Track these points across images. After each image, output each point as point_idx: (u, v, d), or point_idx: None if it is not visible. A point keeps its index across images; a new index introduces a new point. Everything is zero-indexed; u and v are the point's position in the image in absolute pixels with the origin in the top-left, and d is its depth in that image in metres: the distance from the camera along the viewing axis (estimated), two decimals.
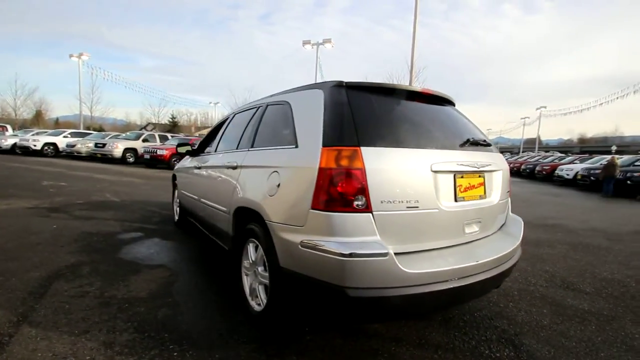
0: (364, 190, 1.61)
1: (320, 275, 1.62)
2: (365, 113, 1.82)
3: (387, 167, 1.68)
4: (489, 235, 2.14)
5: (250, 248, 2.24)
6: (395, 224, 1.66)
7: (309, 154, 1.76)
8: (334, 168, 1.63)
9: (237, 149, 2.73)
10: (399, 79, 18.77)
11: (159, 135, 17.63)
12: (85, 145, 16.49)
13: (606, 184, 11.52)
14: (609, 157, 13.66)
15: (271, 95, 2.67)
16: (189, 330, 2.10)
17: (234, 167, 2.55)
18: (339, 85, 1.92)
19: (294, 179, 1.82)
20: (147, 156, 14.46)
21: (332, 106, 1.82)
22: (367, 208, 1.61)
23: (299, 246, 1.69)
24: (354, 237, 1.59)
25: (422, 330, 2.23)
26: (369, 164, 1.63)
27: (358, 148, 1.66)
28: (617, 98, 24.23)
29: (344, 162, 1.63)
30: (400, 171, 1.71)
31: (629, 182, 11.36)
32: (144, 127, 23.43)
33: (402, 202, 1.69)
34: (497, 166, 2.18)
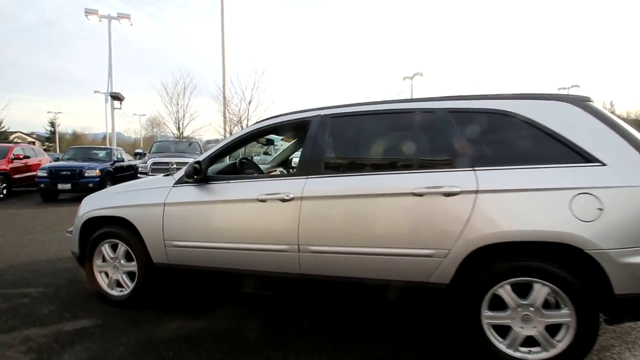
0: None
1: None
2: None
3: None
4: None
5: (508, 291, 1.87)
6: None
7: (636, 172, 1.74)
8: None
9: (422, 169, 2.05)
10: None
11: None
12: None
13: None
14: None
15: (441, 99, 2.15)
16: None
17: (450, 194, 1.91)
18: (589, 99, 1.96)
19: (629, 200, 1.73)
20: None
21: (616, 123, 1.88)
22: None
23: None
24: None
25: None
26: None
27: None
28: None
29: None
30: None
31: None
32: None
33: None
34: None
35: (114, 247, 2.73)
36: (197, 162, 2.41)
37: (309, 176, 2.20)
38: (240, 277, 2.35)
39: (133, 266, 2.66)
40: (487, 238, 1.86)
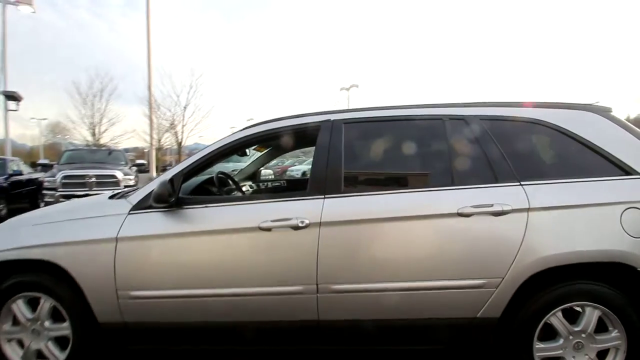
0: None
1: None
2: None
3: None
4: None
5: (560, 319, 1.70)
6: None
7: None
8: None
9: (461, 184, 1.78)
10: None
11: None
12: None
13: None
14: None
15: (469, 105, 1.97)
16: None
17: (500, 213, 1.68)
18: (611, 110, 1.92)
19: None
20: None
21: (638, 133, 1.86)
22: None
23: None
24: None
25: None
26: None
27: None
28: None
29: None
30: None
31: None
32: None
33: None
34: None
35: (33, 303, 1.91)
36: (169, 180, 1.78)
37: (327, 196, 1.76)
38: (235, 331, 1.78)
39: (65, 329, 1.88)
40: (545, 262, 1.68)
